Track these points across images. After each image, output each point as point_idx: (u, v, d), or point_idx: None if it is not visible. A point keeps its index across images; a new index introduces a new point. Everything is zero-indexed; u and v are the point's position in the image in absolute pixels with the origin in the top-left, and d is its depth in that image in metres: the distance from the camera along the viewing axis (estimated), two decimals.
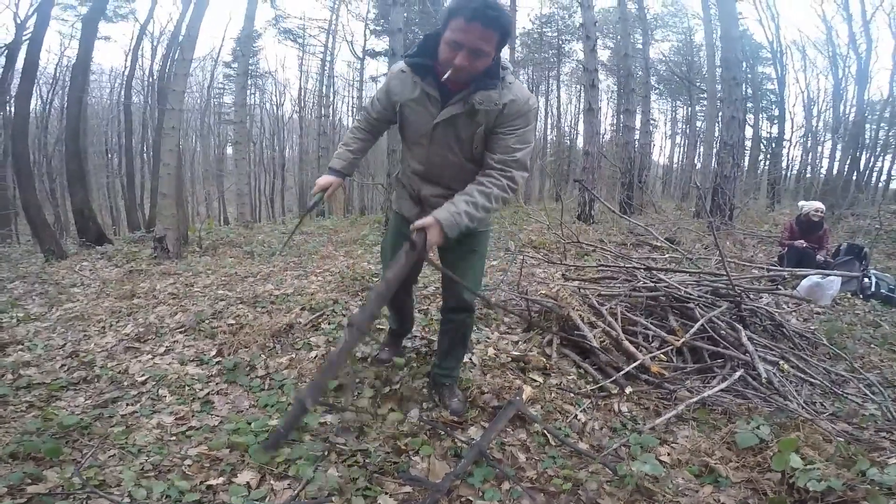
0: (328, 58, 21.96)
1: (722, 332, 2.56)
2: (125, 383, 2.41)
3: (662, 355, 2.43)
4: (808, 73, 19.78)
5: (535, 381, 2.39)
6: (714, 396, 2.22)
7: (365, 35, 21.68)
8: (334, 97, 24.24)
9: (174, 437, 1.90)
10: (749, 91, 16.17)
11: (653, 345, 2.60)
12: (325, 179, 1.87)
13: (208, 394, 2.28)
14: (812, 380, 2.49)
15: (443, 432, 1.95)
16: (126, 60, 16.90)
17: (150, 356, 2.73)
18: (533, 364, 2.49)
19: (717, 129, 12.46)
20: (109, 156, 21.81)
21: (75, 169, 8.50)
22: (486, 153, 1.61)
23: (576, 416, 2.16)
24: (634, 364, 2.32)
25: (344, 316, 3.05)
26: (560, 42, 22.50)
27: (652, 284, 2.89)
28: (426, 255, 1.53)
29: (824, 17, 16.73)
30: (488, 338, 2.77)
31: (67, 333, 3.17)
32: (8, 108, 12.14)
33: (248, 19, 10.81)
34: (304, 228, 8.93)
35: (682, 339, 2.44)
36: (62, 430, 1.85)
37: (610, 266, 3.35)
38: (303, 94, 24.79)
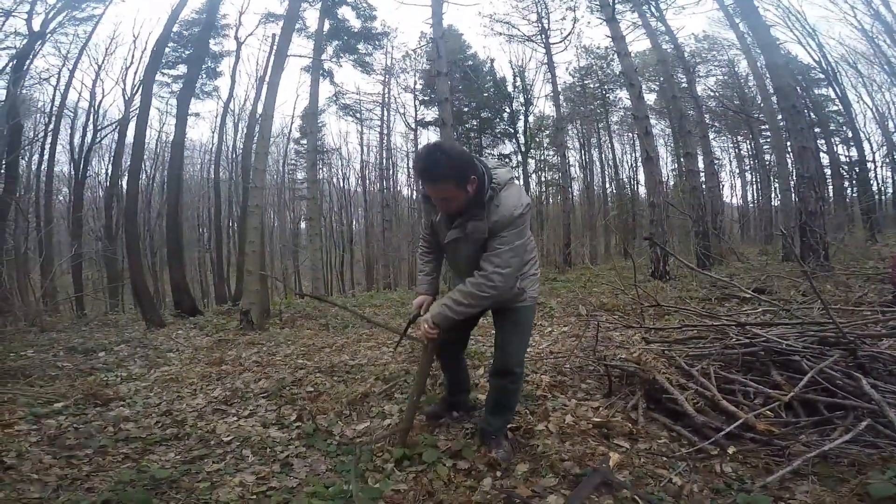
0: (385, 130, 23.51)
1: (838, 381, 2.24)
2: (212, 442, 2.52)
3: (769, 412, 2.16)
4: (869, 86, 17.59)
5: (621, 447, 2.21)
6: (837, 449, 1.94)
7: (415, 106, 22.77)
8: (394, 169, 25.69)
9: (255, 496, 1.93)
10: (812, 116, 15.03)
11: (755, 402, 2.32)
12: (419, 299, 2.30)
13: (288, 456, 2.32)
14: None
15: (519, 502, 1.82)
16: (213, 137, 19.20)
17: (235, 418, 2.87)
18: (617, 430, 2.31)
19: (788, 161, 11.63)
20: (200, 231, 24.33)
21: (174, 246, 9.57)
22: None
23: (670, 479, 1.95)
24: (737, 423, 2.07)
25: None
26: (604, 92, 22.45)
27: (747, 340, 2.62)
28: (431, 334, 1.99)
29: (863, 29, 15.29)
30: (565, 405, 2.63)
31: (163, 393, 3.42)
32: (121, 183, 14.13)
33: (312, 97, 12.03)
34: (373, 302, 9.30)
35: (791, 393, 2.16)
36: (153, 482, 1.96)
37: (696, 325, 3.09)
38: (364, 167, 26.59)
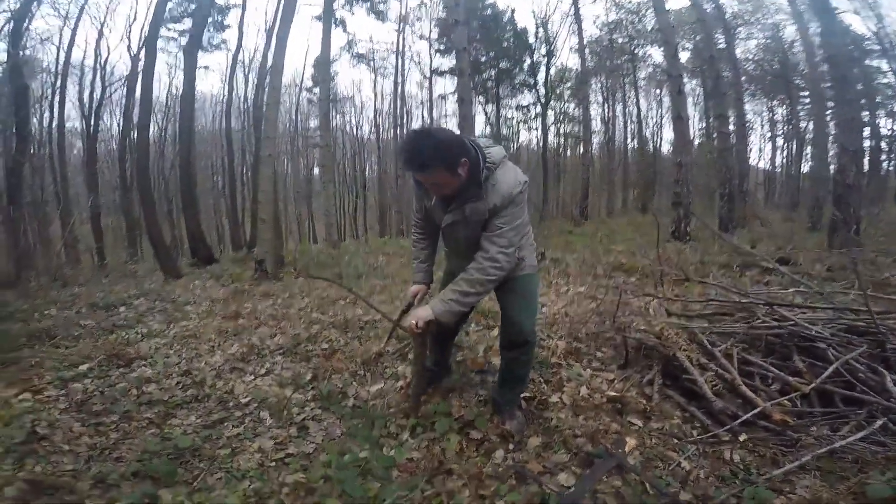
0: (399, 79, 22.80)
1: (860, 375, 2.18)
2: (231, 404, 2.60)
3: (786, 401, 2.12)
4: None
5: (634, 424, 2.21)
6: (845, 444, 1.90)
7: (430, 55, 22.22)
8: (408, 117, 25.16)
9: (274, 463, 2.00)
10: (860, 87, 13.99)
11: (772, 387, 2.28)
12: (414, 289, 2.28)
13: (304, 419, 2.39)
14: None
15: (530, 478, 1.85)
16: (224, 89, 18.91)
17: (252, 377, 2.95)
18: (631, 406, 2.30)
19: (827, 131, 10.98)
20: (215, 178, 24.39)
21: (188, 196, 9.63)
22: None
23: (679, 463, 1.95)
24: (754, 412, 2.04)
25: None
26: (633, 47, 21.30)
27: (774, 322, 2.53)
28: (417, 331, 1.94)
29: None
30: (580, 375, 2.60)
31: (182, 351, 3.52)
32: (132, 136, 14.18)
33: (324, 46, 11.54)
34: (386, 250, 9.34)
35: (812, 385, 2.11)
36: (177, 451, 2.04)
37: (724, 301, 2.98)
38: (378, 115, 26.04)
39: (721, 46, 12.66)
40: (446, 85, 23.53)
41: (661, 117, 26.09)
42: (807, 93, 16.85)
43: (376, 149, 27.35)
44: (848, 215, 6.64)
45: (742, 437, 2.03)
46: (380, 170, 26.83)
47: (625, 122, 24.50)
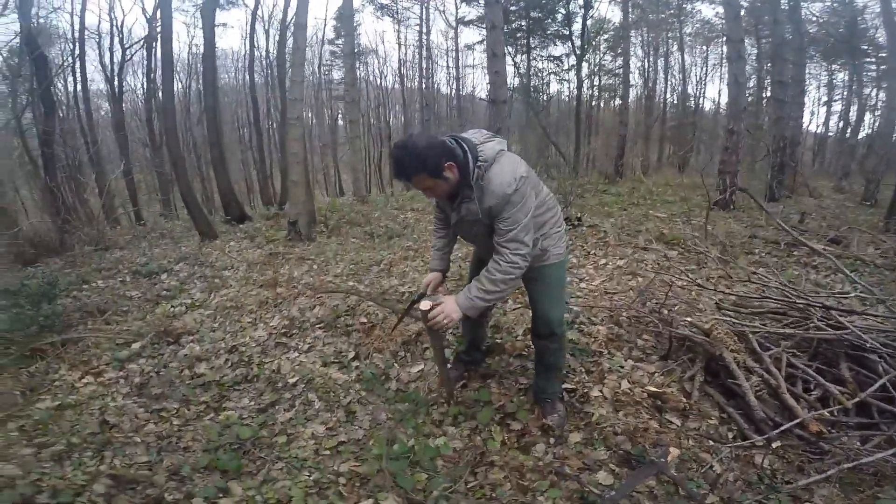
0: (424, 28, 21.81)
1: None
2: (279, 384, 2.74)
3: (827, 413, 2.10)
4: None
5: (672, 423, 2.24)
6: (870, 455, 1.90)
7: (456, 3, 21.16)
8: (433, 67, 24.26)
9: (328, 451, 2.13)
10: None
11: (812, 394, 2.25)
12: (429, 277, 2.23)
13: (350, 402, 2.51)
14: None
15: (570, 477, 1.92)
16: (244, 45, 18.50)
17: (297, 353, 3.08)
18: (671, 404, 2.32)
19: None
20: (241, 131, 24.38)
21: (217, 155, 9.67)
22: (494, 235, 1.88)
23: (711, 466, 1.99)
24: (794, 422, 2.03)
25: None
26: (680, 1, 19.76)
27: (829, 329, 2.40)
28: (437, 324, 1.89)
29: None
30: (621, 367, 2.61)
31: (226, 324, 3.67)
32: (157, 95, 14.16)
33: None
34: (414, 205, 9.28)
35: (857, 398, 2.08)
36: (239, 442, 2.17)
37: (779, 300, 2.83)
38: (402, 65, 25.18)
39: (784, 8, 11.52)
40: (473, 36, 22.34)
41: (706, 74, 24.56)
42: (870, 59, 15.42)
43: (401, 99, 26.66)
44: None
45: (775, 444, 2.03)
46: (405, 119, 26.29)
47: (665, 77, 23.13)
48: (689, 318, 2.88)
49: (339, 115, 29.39)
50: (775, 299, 2.87)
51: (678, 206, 7.64)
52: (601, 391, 2.40)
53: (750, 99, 18.67)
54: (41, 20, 11.22)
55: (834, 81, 21.94)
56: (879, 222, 6.25)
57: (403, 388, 2.61)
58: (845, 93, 21.55)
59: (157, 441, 2.23)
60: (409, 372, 2.74)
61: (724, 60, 20.42)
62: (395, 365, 2.81)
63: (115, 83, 15.10)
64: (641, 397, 2.36)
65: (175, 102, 11.22)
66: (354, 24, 16.04)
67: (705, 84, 24.29)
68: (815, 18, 15.32)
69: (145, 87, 15.78)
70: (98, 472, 1.87)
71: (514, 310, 3.39)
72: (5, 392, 2.60)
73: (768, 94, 16.09)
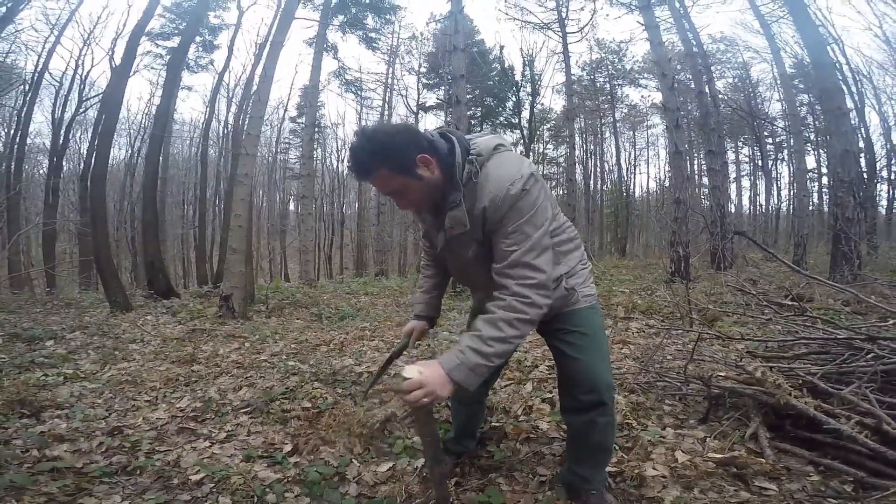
0: (387, 111, 22.57)
1: None
2: (175, 481, 1.82)
3: None
4: (880, 97, 16.94)
5: (768, 489, 1.61)
6: None
7: (418, 89, 22.07)
8: None
9: None
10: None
11: None
12: (410, 326, 1.75)
13: None
14: None
15: None
16: (205, 110, 18.21)
17: (207, 442, 2.16)
18: (752, 468, 1.70)
19: (803, 167, 11.07)
20: (186, 207, 23.22)
21: (150, 218, 8.60)
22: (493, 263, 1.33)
23: None
24: None
25: (446, 406, 2.33)
26: (612, 87, 21.92)
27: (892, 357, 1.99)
28: (420, 407, 1.19)
29: (887, 40, 14.68)
30: (662, 437, 1.96)
31: (115, 401, 2.71)
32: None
33: (314, 69, 11.26)
34: (368, 290, 8.60)
35: None
36: None
37: (813, 339, 2.44)
38: None
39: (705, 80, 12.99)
40: (432, 120, 23.48)
41: (635, 157, 26.99)
42: (778, 133, 17.47)
43: (356, 184, 26.87)
44: (850, 249, 6.47)
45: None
46: (359, 206, 26.21)
47: (597, 164, 24.95)
48: (722, 374, 2.39)
49: (291, 200, 29.08)
50: (810, 338, 2.49)
51: (637, 283, 7.54)
52: (654, 468, 1.72)
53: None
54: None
55: (739, 157, 24.32)
56: (833, 278, 6.33)
57: (368, 492, 1.76)
58: (752, 166, 24.02)
59: None
60: (375, 471, 1.89)
61: (659, 138, 22.84)
62: (354, 462, 1.96)
63: (62, 136, 14.08)
64: (710, 467, 1.74)
65: (116, 166, 10.31)
66: (318, 102, 16.33)
67: (636, 167, 26.45)
68: (721, 95, 17.32)
69: (90, 144, 14.78)
70: None
71: (504, 387, 2.69)
72: None
73: (697, 167, 17.69)
